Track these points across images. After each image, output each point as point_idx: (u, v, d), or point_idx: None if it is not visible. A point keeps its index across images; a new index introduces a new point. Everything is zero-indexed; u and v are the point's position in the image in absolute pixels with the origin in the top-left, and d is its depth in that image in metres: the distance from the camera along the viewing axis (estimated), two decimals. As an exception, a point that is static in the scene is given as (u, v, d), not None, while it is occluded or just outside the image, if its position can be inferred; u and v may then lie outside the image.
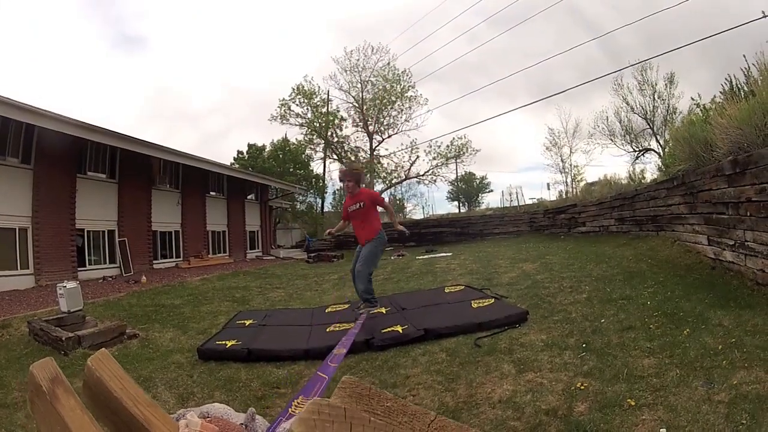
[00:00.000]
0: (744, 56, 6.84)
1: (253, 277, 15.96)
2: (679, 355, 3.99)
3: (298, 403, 2.18)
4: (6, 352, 6.42)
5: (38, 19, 59.89)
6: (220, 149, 78.38)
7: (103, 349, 1.53)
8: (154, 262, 20.38)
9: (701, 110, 8.82)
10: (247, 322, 7.68)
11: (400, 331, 5.99)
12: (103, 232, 18.15)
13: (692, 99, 9.88)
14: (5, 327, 7.80)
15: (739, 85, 7.12)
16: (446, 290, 8.67)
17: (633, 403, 3.31)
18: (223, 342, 6.34)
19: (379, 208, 7.83)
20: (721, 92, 7.82)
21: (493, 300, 7.17)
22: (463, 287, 8.68)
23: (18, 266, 14.26)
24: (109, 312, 8.99)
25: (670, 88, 25.26)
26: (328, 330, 6.63)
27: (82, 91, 64.24)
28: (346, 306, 8.42)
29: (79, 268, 16.29)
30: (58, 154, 15.38)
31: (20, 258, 14.33)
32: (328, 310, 8.30)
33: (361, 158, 33.14)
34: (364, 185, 8.08)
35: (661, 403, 3.27)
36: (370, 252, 7.37)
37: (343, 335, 5.49)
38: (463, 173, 48.83)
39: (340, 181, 7.78)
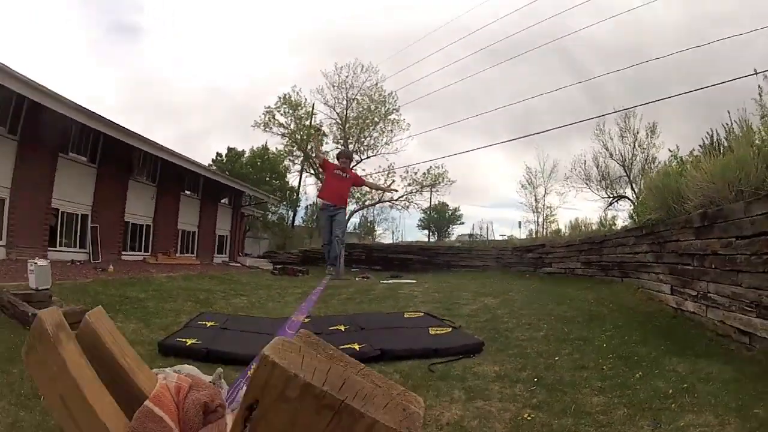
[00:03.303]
0: (729, 112, 6.99)
1: (218, 281, 15.70)
2: (629, 395, 4.02)
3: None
4: None
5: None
6: (198, 149, 77.43)
7: (100, 306, 1.72)
8: (123, 253, 19.99)
9: (678, 162, 8.97)
10: (209, 324, 7.65)
11: (357, 349, 5.98)
12: (77, 215, 17.81)
13: (670, 150, 10.08)
14: None
15: (719, 140, 7.26)
16: (406, 315, 8.68)
17: (578, 438, 3.29)
18: (184, 339, 6.38)
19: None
20: (700, 146, 7.94)
21: (450, 329, 7.21)
22: (422, 314, 8.69)
23: None
24: (75, 296, 8.85)
25: (651, 137, 25.70)
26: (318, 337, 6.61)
27: (67, 73, 63.14)
28: (307, 320, 8.30)
29: (49, 248, 15.86)
30: (44, 130, 15.01)
31: None
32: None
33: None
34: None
35: (606, 439, 3.26)
36: (343, 219, 8.34)
37: None
38: (437, 203, 49.02)
39: (338, 157, 8.53)
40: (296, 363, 1.00)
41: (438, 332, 6.97)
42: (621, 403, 3.86)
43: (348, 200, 8.55)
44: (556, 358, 5.45)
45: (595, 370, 4.86)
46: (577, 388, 4.37)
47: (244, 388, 1.77)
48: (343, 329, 7.51)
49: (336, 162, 8.15)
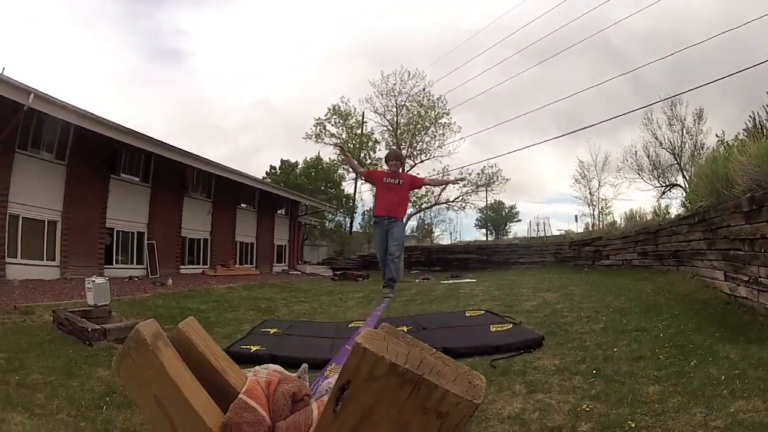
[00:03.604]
0: (767, 93, 6.96)
1: (279, 289, 16.22)
2: (684, 383, 4.18)
3: (332, 369, 2.60)
4: (29, 337, 6.67)
5: (77, 21, 61.70)
6: (251, 164, 79.67)
7: (191, 316, 1.89)
8: (181, 267, 20.92)
9: (724, 147, 8.91)
10: (272, 331, 8.00)
11: None
12: (133, 233, 18.77)
13: (717, 136, 9.99)
14: (28, 313, 8.13)
15: (761, 123, 7.22)
16: (467, 314, 8.86)
17: (633, 425, 3.52)
18: (248, 347, 6.64)
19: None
20: (744, 129, 7.92)
21: (511, 325, 7.36)
22: (483, 312, 8.85)
23: (44, 257, 14.79)
24: (134, 310, 9.30)
25: (699, 123, 25.17)
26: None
27: (118, 97, 65.92)
28: None
29: (105, 266, 16.79)
30: (93, 153, 16.00)
31: (47, 249, 14.89)
32: (351, 324, 8.43)
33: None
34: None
35: (660, 426, 3.48)
36: (400, 234, 7.25)
37: None
38: (493, 202, 48.68)
39: (387, 160, 7.75)
40: (382, 348, 1.20)
41: (499, 329, 7.12)
42: (676, 392, 4.03)
43: (406, 211, 7.69)
44: (614, 350, 5.58)
45: (652, 360, 5.00)
46: (634, 378, 4.54)
47: (323, 382, 2.08)
48: (406, 330, 7.61)
49: (385, 168, 7.53)
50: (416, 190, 29.34)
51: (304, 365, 2.14)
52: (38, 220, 14.69)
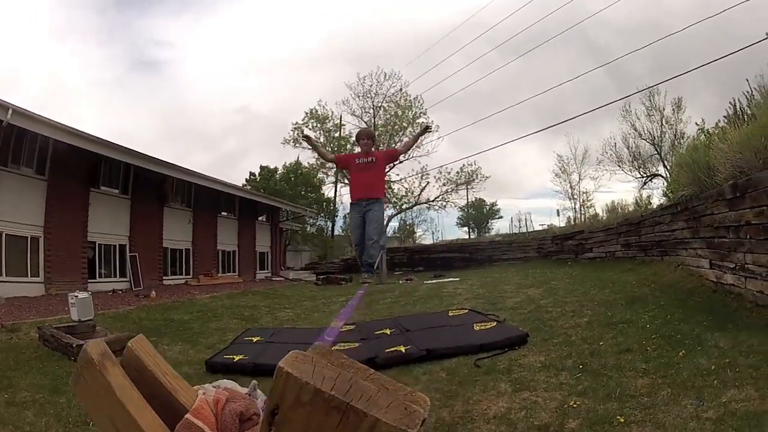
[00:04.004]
0: (747, 80, 6.93)
1: (262, 296, 16.06)
2: (672, 375, 4.07)
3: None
4: (15, 355, 6.60)
5: (55, 32, 61.14)
6: (233, 171, 79.21)
7: (140, 334, 1.86)
8: (164, 278, 20.57)
9: (705, 135, 8.86)
10: (255, 339, 7.93)
11: (403, 351, 6.16)
12: (115, 246, 18.41)
13: (697, 124, 9.95)
14: (14, 331, 8.00)
15: (742, 109, 7.16)
16: (450, 313, 8.78)
17: (622, 420, 3.39)
18: (231, 356, 6.61)
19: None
20: (725, 117, 7.86)
21: (495, 323, 7.29)
22: (467, 311, 8.78)
23: (29, 273, 14.47)
24: (118, 324, 9.18)
25: (678, 113, 25.28)
26: (333, 349, 6.68)
27: (99, 107, 65.19)
28: (353, 327, 8.59)
29: (89, 280, 16.45)
30: (73, 167, 15.71)
31: (31, 266, 14.55)
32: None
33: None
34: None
35: (650, 420, 3.35)
36: (379, 216, 6.54)
37: (351, 353, 5.84)
38: (474, 199, 48.80)
39: (358, 139, 7.12)
40: (308, 372, 1.16)
41: (482, 328, 7.05)
42: (665, 384, 3.91)
43: (384, 190, 7.23)
44: (600, 343, 5.48)
45: (639, 352, 4.90)
46: (621, 371, 4.44)
47: None
48: (389, 333, 7.62)
49: (357, 149, 7.02)
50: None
51: (254, 382, 2.09)
52: (21, 236, 14.38)
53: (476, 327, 7.13)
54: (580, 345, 5.60)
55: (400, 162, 31.48)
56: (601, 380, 4.28)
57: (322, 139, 33.33)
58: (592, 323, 6.53)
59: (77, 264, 16.10)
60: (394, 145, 30.74)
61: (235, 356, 6.58)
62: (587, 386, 4.19)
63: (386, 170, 7.40)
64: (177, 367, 6.28)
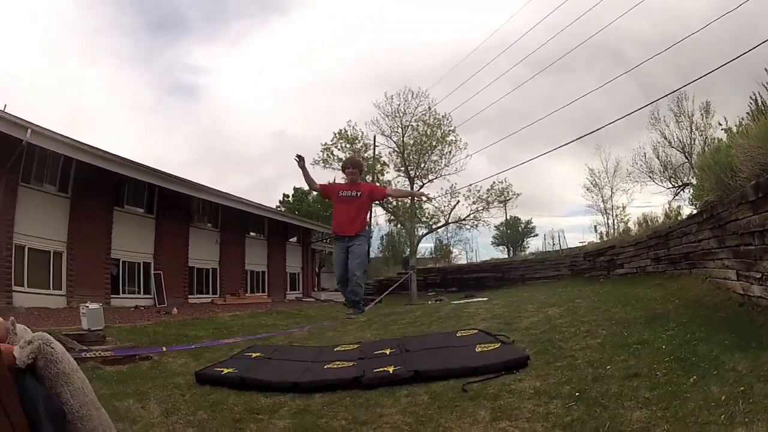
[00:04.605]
0: (766, 70, 6.22)
1: (285, 316, 16.06)
2: (676, 407, 3.46)
3: None
4: None
5: (94, 61, 63.24)
6: (274, 193, 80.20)
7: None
8: (190, 296, 20.65)
9: (728, 134, 8.09)
10: (254, 355, 7.85)
11: (390, 372, 5.97)
12: (139, 263, 18.59)
13: (719, 123, 9.04)
14: None
15: (763, 102, 6.44)
16: (458, 334, 8.40)
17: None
18: (220, 369, 6.67)
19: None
20: (747, 113, 7.11)
21: (499, 344, 6.85)
22: (476, 331, 8.35)
23: (51, 286, 14.74)
24: (132, 336, 9.39)
25: (707, 117, 23.97)
26: (326, 367, 6.70)
27: (138, 131, 67.01)
28: (356, 346, 8.47)
29: (112, 295, 16.70)
30: (96, 186, 16.00)
31: (53, 279, 14.84)
32: (337, 348, 8.39)
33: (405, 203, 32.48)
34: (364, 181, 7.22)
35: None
36: (362, 250, 6.39)
37: (340, 372, 6.25)
38: (509, 218, 47.83)
39: (343, 169, 7.11)
40: None
41: (484, 349, 6.67)
42: (664, 418, 3.31)
43: (367, 224, 6.88)
44: (608, 367, 4.91)
45: (647, 378, 4.29)
46: (621, 400, 3.86)
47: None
48: (388, 353, 7.41)
49: (343, 180, 6.83)
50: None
51: (12, 318, 2.11)
52: (44, 250, 14.70)
53: (478, 348, 6.73)
54: (584, 369, 5.04)
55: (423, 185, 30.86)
56: (594, 411, 3.70)
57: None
58: (605, 344, 5.94)
59: (100, 279, 16.36)
60: (422, 166, 30.25)
61: (225, 369, 6.62)
62: (576, 418, 3.62)
63: (370, 206, 6.97)
64: (171, 377, 6.58)
